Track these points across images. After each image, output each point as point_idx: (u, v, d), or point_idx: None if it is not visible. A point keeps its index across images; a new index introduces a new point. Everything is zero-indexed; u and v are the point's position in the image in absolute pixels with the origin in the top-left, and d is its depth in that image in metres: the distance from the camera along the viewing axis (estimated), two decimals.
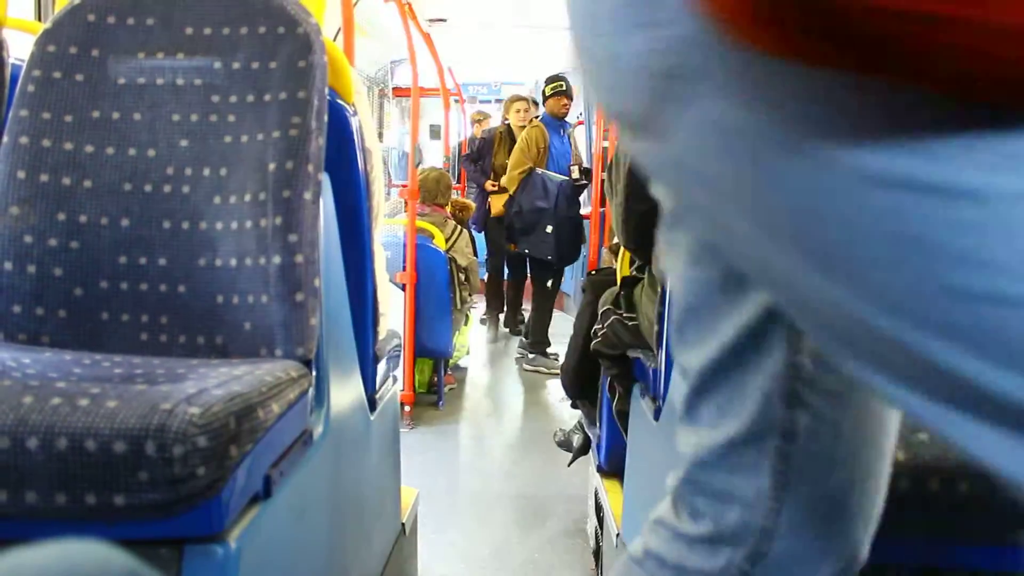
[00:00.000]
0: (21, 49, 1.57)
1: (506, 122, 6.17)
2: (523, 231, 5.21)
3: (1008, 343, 0.45)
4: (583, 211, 5.54)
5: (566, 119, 5.80)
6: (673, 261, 0.75)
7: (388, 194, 6.37)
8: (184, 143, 1.42)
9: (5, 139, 1.42)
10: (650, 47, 0.51)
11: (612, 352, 2.15)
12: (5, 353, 1.21)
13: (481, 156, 6.06)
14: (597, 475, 2.58)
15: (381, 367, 1.91)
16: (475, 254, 4.87)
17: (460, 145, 7.71)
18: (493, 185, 5.83)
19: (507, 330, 6.21)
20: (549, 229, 5.11)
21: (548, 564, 2.67)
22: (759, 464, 0.74)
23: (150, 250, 1.38)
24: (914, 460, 0.92)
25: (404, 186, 4.25)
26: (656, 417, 1.76)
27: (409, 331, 4.01)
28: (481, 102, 9.89)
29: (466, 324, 5.17)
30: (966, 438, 0.51)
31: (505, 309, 6.24)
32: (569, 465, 3.20)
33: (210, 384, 1.03)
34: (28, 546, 0.39)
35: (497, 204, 5.74)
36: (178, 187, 1.40)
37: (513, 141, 5.75)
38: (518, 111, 5.95)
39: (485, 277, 6.03)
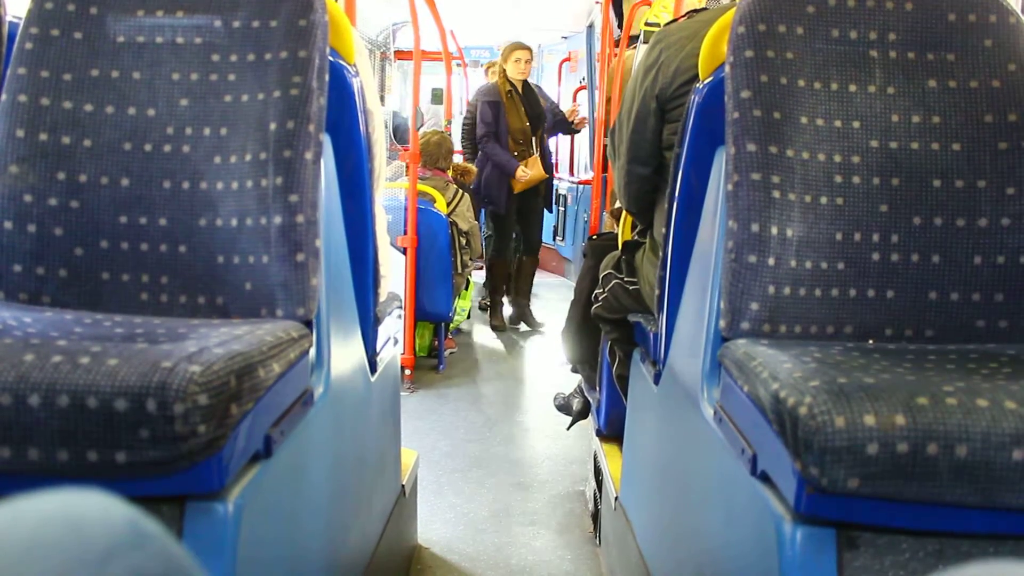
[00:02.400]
0: (19, 6, 1.56)
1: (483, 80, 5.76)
2: None
3: None
4: (585, 177, 5.52)
5: None
6: None
7: (390, 157, 6.28)
8: (184, 102, 1.41)
9: (3, 97, 1.41)
10: None
11: (613, 316, 2.15)
12: (6, 312, 1.21)
13: (497, 127, 5.26)
14: (596, 439, 2.60)
15: (382, 329, 1.91)
16: (476, 218, 4.86)
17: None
18: (524, 166, 5.19)
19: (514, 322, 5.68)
20: None
21: (546, 526, 2.69)
22: None
23: (150, 210, 1.37)
24: (913, 424, 0.92)
25: (406, 149, 4.21)
26: (656, 381, 1.76)
27: (410, 295, 4.02)
28: (483, 66, 9.81)
29: (467, 288, 5.17)
30: None
31: (513, 297, 5.66)
32: (568, 429, 3.22)
33: (211, 343, 1.03)
34: (29, 496, 0.39)
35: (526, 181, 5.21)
36: (178, 147, 1.39)
37: (523, 99, 5.43)
38: (518, 61, 5.29)
39: (486, 260, 5.55)
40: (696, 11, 1.96)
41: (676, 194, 1.63)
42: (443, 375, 4.41)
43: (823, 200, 1.32)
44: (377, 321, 1.84)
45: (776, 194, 1.31)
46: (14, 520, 0.38)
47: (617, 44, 4.96)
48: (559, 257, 8.00)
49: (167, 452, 0.94)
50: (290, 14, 1.41)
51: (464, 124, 5.78)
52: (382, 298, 1.91)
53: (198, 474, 1.00)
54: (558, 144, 7.73)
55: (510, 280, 5.75)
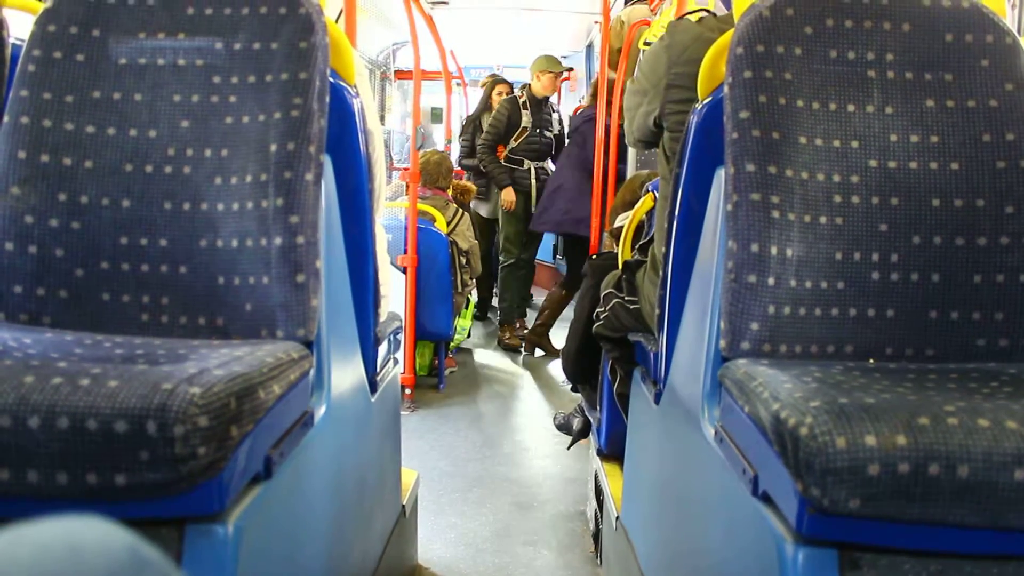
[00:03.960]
0: (22, 29, 1.57)
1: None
2: None
3: None
4: None
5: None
6: None
7: (390, 177, 6.27)
8: (185, 124, 1.42)
9: (6, 119, 1.42)
10: None
11: (613, 335, 2.15)
12: (6, 333, 1.21)
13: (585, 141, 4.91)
14: (597, 458, 2.59)
15: (382, 349, 1.91)
16: (476, 238, 4.86)
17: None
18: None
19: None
20: None
21: (547, 546, 2.68)
22: None
23: (151, 231, 1.38)
24: (914, 444, 0.92)
25: (406, 169, 4.22)
26: (656, 401, 1.76)
27: (410, 314, 4.02)
28: (482, 86, 9.84)
29: (467, 307, 5.17)
30: None
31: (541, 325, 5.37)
32: (569, 448, 3.21)
33: (211, 364, 1.03)
34: (30, 522, 0.39)
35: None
36: (179, 168, 1.40)
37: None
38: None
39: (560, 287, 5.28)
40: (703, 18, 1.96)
41: (676, 214, 1.63)
42: (443, 394, 4.41)
43: (822, 220, 1.32)
44: (377, 341, 1.84)
45: (775, 214, 1.31)
46: (14, 547, 0.37)
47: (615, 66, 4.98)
48: (560, 276, 8.00)
49: (167, 474, 0.94)
50: (291, 36, 1.42)
51: (488, 136, 5.54)
52: (382, 318, 1.92)
53: (198, 496, 1.00)
54: None
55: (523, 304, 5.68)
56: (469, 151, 6.00)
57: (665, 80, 1.82)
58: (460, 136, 6.29)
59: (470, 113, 6.30)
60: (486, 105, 6.11)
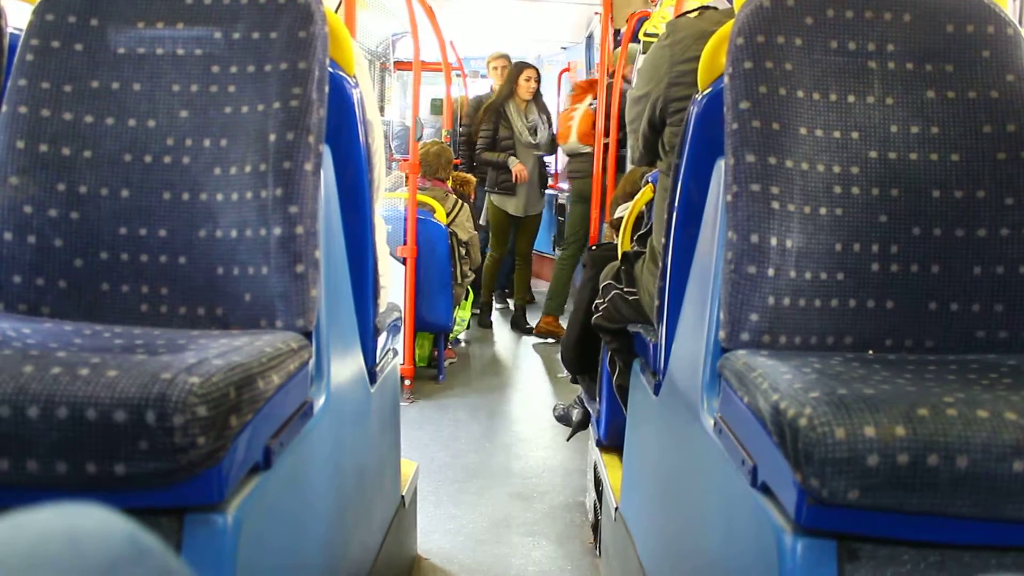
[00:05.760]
0: (19, 18, 1.56)
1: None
2: None
3: None
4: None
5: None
6: None
7: (389, 168, 6.20)
8: (184, 114, 1.42)
9: (4, 108, 1.41)
10: None
11: (613, 326, 2.15)
12: (5, 323, 1.21)
13: None
14: (596, 449, 2.60)
15: (381, 340, 1.91)
16: (475, 229, 4.86)
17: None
18: None
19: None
20: None
21: (546, 537, 2.68)
22: None
23: (150, 221, 1.37)
24: (913, 435, 0.92)
25: (405, 160, 4.22)
26: (656, 392, 1.76)
27: (410, 305, 4.02)
28: (482, 76, 9.81)
29: (467, 299, 5.17)
30: None
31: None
32: (568, 439, 3.22)
33: (210, 354, 1.03)
34: (29, 511, 0.39)
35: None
36: (178, 158, 1.39)
37: None
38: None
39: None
40: (705, 8, 1.95)
41: (676, 204, 1.63)
42: (443, 385, 4.41)
43: (822, 211, 1.32)
44: (377, 332, 1.84)
45: (775, 205, 1.31)
46: (13, 535, 0.37)
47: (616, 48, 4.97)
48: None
49: (166, 464, 0.94)
50: (290, 26, 1.42)
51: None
52: (382, 308, 1.91)
53: (197, 486, 1.00)
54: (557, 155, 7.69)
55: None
56: (491, 143, 5.51)
57: (667, 79, 1.82)
58: (481, 125, 5.60)
59: (490, 100, 5.68)
60: (511, 91, 5.52)
